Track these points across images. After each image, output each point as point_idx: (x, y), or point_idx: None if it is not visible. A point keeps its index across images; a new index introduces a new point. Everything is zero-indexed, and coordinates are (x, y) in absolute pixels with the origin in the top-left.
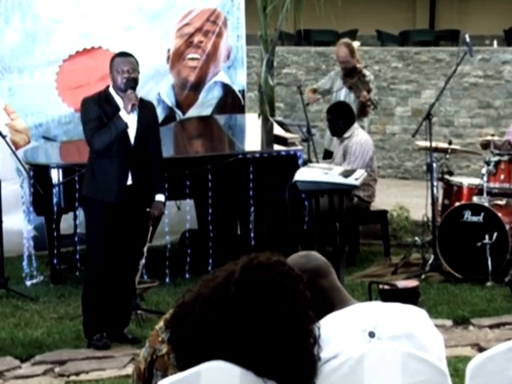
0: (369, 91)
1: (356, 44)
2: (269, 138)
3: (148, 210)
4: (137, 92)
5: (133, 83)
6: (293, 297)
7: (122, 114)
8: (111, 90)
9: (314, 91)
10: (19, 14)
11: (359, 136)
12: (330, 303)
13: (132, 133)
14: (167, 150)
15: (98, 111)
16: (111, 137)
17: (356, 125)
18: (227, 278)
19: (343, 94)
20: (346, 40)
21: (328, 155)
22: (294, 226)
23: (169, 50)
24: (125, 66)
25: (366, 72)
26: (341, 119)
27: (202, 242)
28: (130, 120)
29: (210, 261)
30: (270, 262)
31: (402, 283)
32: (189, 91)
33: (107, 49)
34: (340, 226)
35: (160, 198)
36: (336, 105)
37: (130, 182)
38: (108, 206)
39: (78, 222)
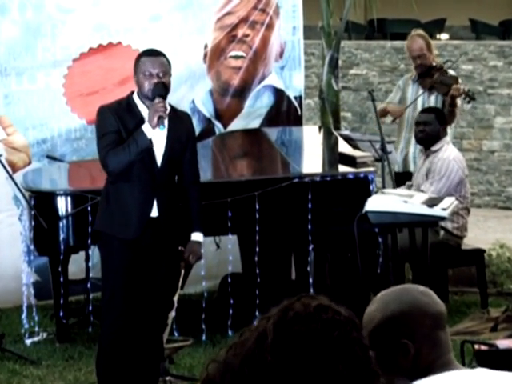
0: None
1: (444, 37)
2: (332, 156)
3: (180, 248)
4: (167, 100)
5: (163, 90)
6: (348, 352)
7: (146, 127)
8: (135, 96)
9: (385, 113)
10: (18, 2)
11: (447, 152)
12: (431, 362)
13: (159, 151)
14: (203, 173)
15: (116, 123)
16: (130, 157)
17: (448, 138)
18: (259, 342)
19: (420, 102)
20: (420, 31)
21: (400, 180)
22: (364, 268)
23: (206, 47)
24: (153, 67)
25: (450, 71)
26: (441, 125)
27: (248, 289)
28: (157, 136)
29: (258, 313)
30: (308, 311)
31: (504, 343)
32: (231, 98)
33: (128, 45)
34: (424, 268)
35: (197, 237)
36: (428, 108)
37: (155, 213)
38: (128, 243)
39: (90, 264)
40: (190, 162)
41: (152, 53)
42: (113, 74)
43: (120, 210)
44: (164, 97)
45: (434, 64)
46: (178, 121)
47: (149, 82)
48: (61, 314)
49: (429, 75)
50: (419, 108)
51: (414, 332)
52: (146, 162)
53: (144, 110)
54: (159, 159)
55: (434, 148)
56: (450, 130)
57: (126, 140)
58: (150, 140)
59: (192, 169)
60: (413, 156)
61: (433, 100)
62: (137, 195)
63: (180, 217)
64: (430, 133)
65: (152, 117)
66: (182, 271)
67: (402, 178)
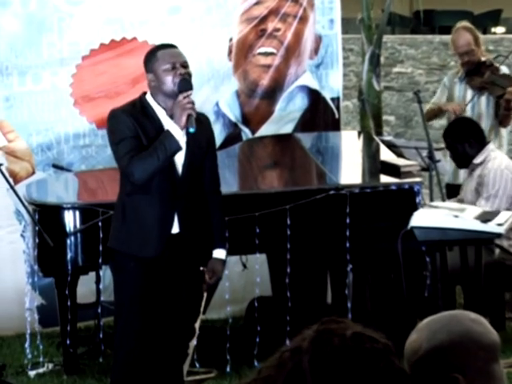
0: None
1: (500, 30)
2: (373, 165)
3: (202, 269)
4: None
5: (190, 83)
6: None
7: (173, 129)
8: (149, 98)
9: (439, 113)
10: None
11: (497, 160)
12: None
13: (179, 159)
14: (229, 184)
15: (133, 127)
16: (159, 163)
17: (491, 145)
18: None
19: (469, 104)
20: (466, 23)
21: (451, 192)
22: (409, 291)
23: (231, 41)
24: (176, 58)
25: (503, 67)
26: (465, 141)
27: (277, 314)
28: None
29: (288, 342)
30: (346, 343)
31: None
32: (260, 100)
33: (144, 40)
34: (477, 291)
35: (220, 254)
36: (454, 124)
37: (176, 229)
38: (146, 263)
39: (102, 287)
40: (210, 170)
41: (168, 45)
42: (126, 73)
43: (138, 225)
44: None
45: (484, 60)
46: (198, 125)
47: (173, 76)
48: (68, 342)
49: (478, 73)
50: (469, 111)
51: (466, 365)
52: (166, 171)
53: (161, 113)
54: (179, 167)
55: (476, 161)
56: (505, 134)
57: (149, 145)
58: (179, 144)
59: (213, 177)
60: None
61: (484, 101)
62: (157, 208)
63: (203, 233)
64: (462, 154)
65: (180, 116)
66: (205, 294)
67: (453, 190)
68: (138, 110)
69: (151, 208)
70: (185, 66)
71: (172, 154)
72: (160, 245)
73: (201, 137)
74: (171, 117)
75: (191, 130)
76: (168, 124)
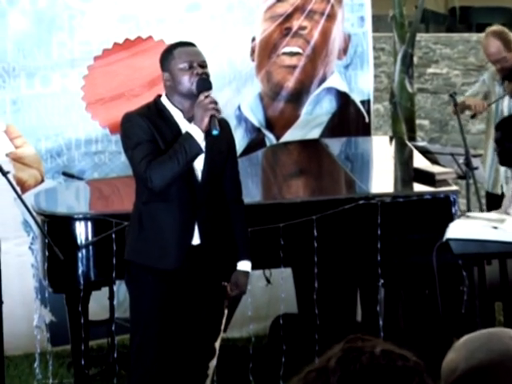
0: None
1: None
2: (406, 173)
3: (224, 284)
4: None
5: (209, 83)
6: None
7: (194, 131)
8: (164, 100)
9: (466, 107)
10: None
11: None
12: None
13: (199, 165)
14: (251, 193)
15: (150, 131)
16: (179, 167)
17: None
18: None
19: (506, 105)
20: (497, 28)
21: (490, 202)
22: (445, 308)
23: (253, 40)
24: (194, 57)
25: None
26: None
27: (304, 332)
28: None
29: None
30: (376, 362)
31: None
32: (285, 103)
33: (160, 39)
34: None
35: (244, 266)
36: (509, 119)
37: (196, 240)
38: (164, 275)
39: (116, 303)
40: (231, 178)
41: (186, 43)
42: (142, 75)
43: (156, 235)
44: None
45: None
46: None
47: (190, 76)
48: (80, 362)
49: None
50: (506, 112)
51: None
52: (185, 177)
53: (177, 115)
54: (199, 173)
55: None
56: None
57: (167, 149)
58: (201, 147)
59: (234, 184)
60: (504, 175)
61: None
62: (176, 217)
63: (225, 244)
64: (504, 152)
65: (202, 117)
66: (226, 311)
67: (493, 200)
68: (154, 112)
69: (170, 217)
70: (203, 65)
71: (193, 157)
72: (180, 256)
73: (221, 142)
74: (189, 120)
75: (215, 132)
76: (186, 126)
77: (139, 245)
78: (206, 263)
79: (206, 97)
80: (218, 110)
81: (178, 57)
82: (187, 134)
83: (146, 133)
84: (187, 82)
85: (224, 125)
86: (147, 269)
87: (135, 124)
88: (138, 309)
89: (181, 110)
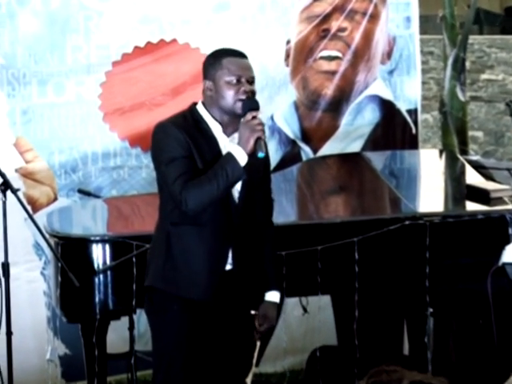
0: None
1: None
2: (458, 190)
3: (253, 312)
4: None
5: (256, 103)
6: None
7: (237, 152)
8: (201, 109)
9: None
10: None
11: None
12: None
13: (237, 185)
14: (285, 212)
15: (187, 145)
16: (218, 192)
17: None
18: None
19: None
20: None
21: None
22: (501, 339)
23: (288, 43)
24: (244, 71)
25: None
26: None
27: (344, 366)
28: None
29: None
30: None
31: None
32: (323, 113)
33: (185, 43)
34: None
35: (273, 296)
36: None
37: (229, 265)
38: (192, 305)
39: (136, 334)
40: (263, 197)
41: (237, 52)
42: (165, 82)
43: (185, 261)
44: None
45: None
46: None
47: (236, 92)
48: None
49: None
50: None
51: None
52: (222, 200)
53: (216, 129)
54: (236, 195)
55: None
56: None
57: (204, 168)
58: (243, 171)
59: (265, 205)
60: None
61: None
62: (209, 242)
63: (257, 270)
64: None
65: (248, 138)
66: (258, 343)
67: None
68: (191, 123)
69: (202, 241)
70: (251, 81)
71: (234, 182)
72: (211, 285)
73: (258, 160)
74: (228, 134)
75: (260, 154)
76: (225, 143)
77: (165, 270)
78: (237, 291)
79: (254, 117)
80: (264, 133)
81: (226, 67)
82: (230, 155)
83: (183, 147)
84: (231, 98)
85: None
86: (173, 297)
87: (171, 135)
88: (162, 341)
89: (220, 123)
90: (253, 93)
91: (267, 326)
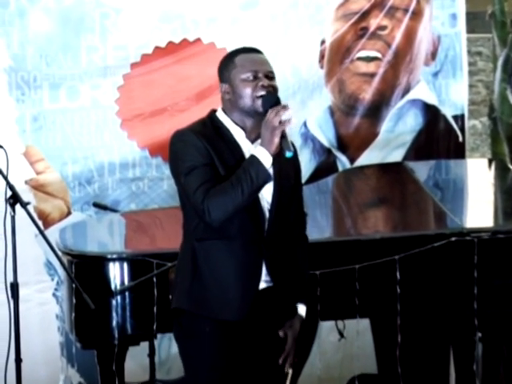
0: None
1: None
2: (509, 203)
3: (281, 334)
4: None
5: (277, 98)
6: None
7: (261, 154)
8: (221, 115)
9: None
10: None
11: None
12: None
13: (266, 193)
14: (320, 227)
15: (208, 153)
16: (243, 198)
17: None
18: None
19: None
20: None
21: None
22: None
23: (323, 44)
24: (259, 66)
25: None
26: None
27: None
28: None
29: None
30: None
31: None
32: (361, 119)
33: (211, 42)
34: None
35: (300, 310)
36: None
37: (264, 283)
38: (225, 327)
39: (157, 361)
40: (296, 208)
41: (250, 49)
42: (188, 85)
43: (215, 279)
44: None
45: None
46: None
47: (254, 88)
48: None
49: None
50: None
51: None
52: (251, 209)
53: (239, 135)
54: (266, 204)
55: None
56: None
57: (228, 175)
58: (270, 174)
59: (298, 217)
60: None
61: None
62: (240, 257)
63: (294, 287)
64: None
65: (270, 138)
66: (290, 371)
67: None
68: (210, 130)
69: (232, 256)
70: (269, 76)
71: (260, 186)
72: (245, 304)
73: (288, 166)
74: (252, 140)
75: (288, 154)
76: (250, 148)
77: (193, 290)
78: (274, 309)
79: (277, 114)
80: (289, 121)
81: (240, 65)
82: (253, 157)
83: (203, 155)
84: (249, 96)
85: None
86: (203, 319)
87: (190, 144)
88: (194, 368)
89: (242, 129)
90: (274, 88)
91: (291, 338)
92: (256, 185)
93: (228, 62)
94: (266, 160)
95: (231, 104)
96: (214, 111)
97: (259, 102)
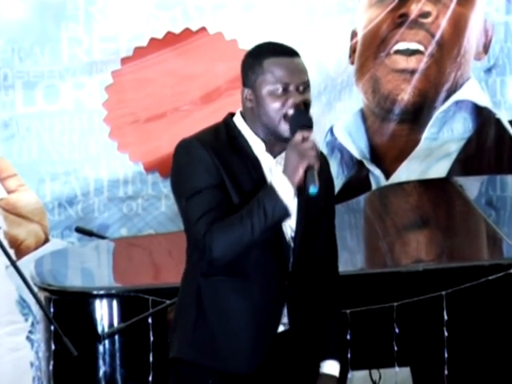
0: None
1: None
2: None
3: None
4: None
5: (308, 119)
6: None
7: (280, 184)
8: (239, 121)
9: None
10: None
11: None
12: None
13: (290, 223)
14: (350, 256)
15: (217, 171)
16: (253, 236)
17: None
18: None
19: None
20: None
21: None
22: None
23: (354, 35)
24: (292, 76)
25: None
26: None
27: None
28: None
29: None
30: None
31: None
32: (399, 124)
33: (218, 32)
34: None
35: (331, 368)
36: None
37: (282, 326)
38: (233, 381)
39: None
40: (325, 236)
41: (284, 50)
42: (192, 85)
43: (222, 323)
44: (309, 128)
45: None
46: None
47: (282, 104)
48: None
49: None
50: None
51: None
52: (271, 242)
53: (258, 147)
54: (289, 235)
55: None
56: None
57: (242, 202)
58: (288, 210)
59: (329, 249)
60: None
61: None
62: (255, 298)
63: (317, 331)
64: None
65: (296, 166)
66: None
67: None
68: (224, 141)
69: (245, 297)
70: (303, 89)
71: (275, 223)
72: (258, 354)
73: (319, 188)
74: (274, 156)
75: (312, 190)
76: (270, 164)
77: (196, 336)
78: (291, 360)
79: (305, 138)
80: (318, 160)
81: (268, 71)
82: (270, 188)
83: (212, 174)
84: (275, 112)
85: (323, 163)
86: (206, 370)
87: (196, 158)
88: None
89: (263, 141)
90: (306, 104)
91: None
92: (271, 221)
93: (255, 64)
94: (287, 192)
95: (253, 114)
96: (231, 115)
97: (285, 127)
